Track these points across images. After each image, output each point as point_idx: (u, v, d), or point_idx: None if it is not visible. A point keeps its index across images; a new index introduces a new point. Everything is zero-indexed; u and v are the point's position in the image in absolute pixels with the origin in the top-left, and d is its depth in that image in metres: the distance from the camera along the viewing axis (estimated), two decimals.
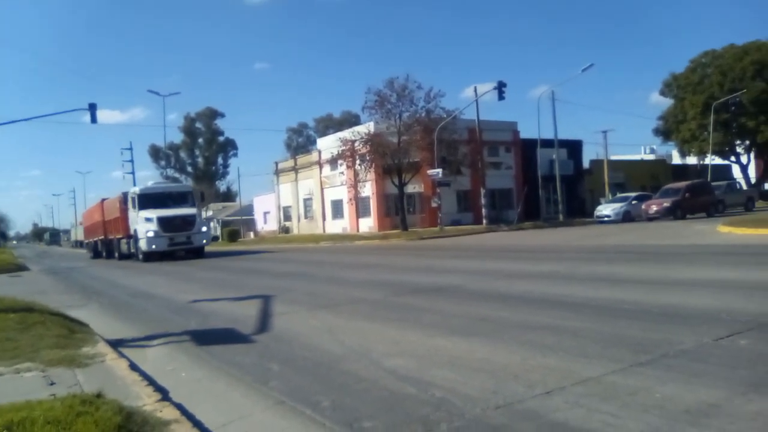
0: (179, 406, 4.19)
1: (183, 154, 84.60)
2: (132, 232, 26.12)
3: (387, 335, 6.27)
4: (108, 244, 32.35)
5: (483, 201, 36.60)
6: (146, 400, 4.21)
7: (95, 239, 36.66)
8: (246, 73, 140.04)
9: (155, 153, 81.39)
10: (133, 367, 5.35)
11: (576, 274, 10.64)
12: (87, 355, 5.72)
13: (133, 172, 51.91)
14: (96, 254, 36.66)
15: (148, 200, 25.38)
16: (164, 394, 4.49)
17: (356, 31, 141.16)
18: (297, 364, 5.28)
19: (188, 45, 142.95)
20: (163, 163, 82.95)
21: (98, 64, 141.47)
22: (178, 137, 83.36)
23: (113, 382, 4.77)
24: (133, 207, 25.68)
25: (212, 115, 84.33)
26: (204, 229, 26.47)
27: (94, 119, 29.29)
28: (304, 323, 7.34)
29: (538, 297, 8.11)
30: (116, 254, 29.84)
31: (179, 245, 25.01)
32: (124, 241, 27.98)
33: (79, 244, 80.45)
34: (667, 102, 55.86)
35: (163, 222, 24.25)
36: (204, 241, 26.31)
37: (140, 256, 24.97)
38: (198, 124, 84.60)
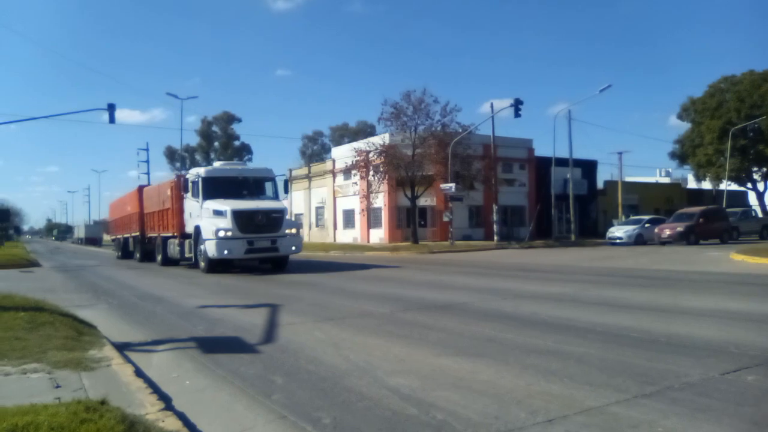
0: (181, 416, 4.22)
1: (198, 157, 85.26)
2: (188, 229, 19.41)
3: (392, 352, 6.27)
4: (145, 243, 25.76)
5: (495, 217, 36.51)
6: (149, 409, 4.24)
7: (126, 236, 29.52)
8: (267, 79, 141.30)
9: (171, 154, 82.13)
10: (138, 372, 5.39)
11: (584, 297, 10.58)
12: (93, 358, 5.77)
13: (148, 173, 52.49)
14: (126, 254, 29.92)
15: (216, 186, 18.37)
16: (167, 403, 4.52)
17: (377, 41, 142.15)
18: (301, 378, 5.30)
19: (211, 49, 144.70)
20: (178, 164, 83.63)
21: (121, 64, 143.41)
22: (194, 140, 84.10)
23: (118, 387, 4.81)
24: (194, 195, 18.74)
25: (229, 119, 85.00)
26: (293, 230, 18.56)
27: (112, 119, 29.66)
28: (310, 335, 7.36)
29: (544, 319, 8.07)
30: (158, 257, 23.37)
31: (261, 252, 18.05)
32: (174, 241, 20.69)
33: (80, 241, 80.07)
34: (685, 126, 55.58)
35: (240, 218, 17.25)
36: (293, 248, 18.48)
37: (202, 264, 18.20)
38: (215, 128, 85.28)
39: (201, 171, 19.16)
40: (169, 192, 21.12)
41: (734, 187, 54.67)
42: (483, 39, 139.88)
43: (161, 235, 22.67)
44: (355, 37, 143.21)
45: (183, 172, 22.24)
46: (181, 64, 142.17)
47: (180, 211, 20.08)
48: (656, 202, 53.17)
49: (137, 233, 26.60)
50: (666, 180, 77.81)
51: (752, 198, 56.26)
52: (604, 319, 7.92)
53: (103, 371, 5.35)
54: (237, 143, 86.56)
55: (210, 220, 17.59)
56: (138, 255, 26.88)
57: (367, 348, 6.52)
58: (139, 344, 7.11)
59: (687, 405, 4.15)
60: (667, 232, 31.01)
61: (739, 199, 55.17)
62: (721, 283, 12.47)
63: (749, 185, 55.08)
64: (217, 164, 20.89)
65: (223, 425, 4.20)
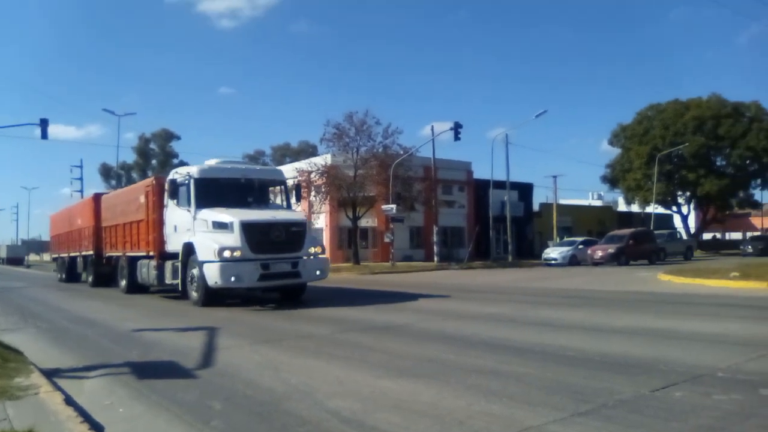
0: None
1: (135, 175, 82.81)
2: (171, 247, 14.91)
3: (332, 374, 6.23)
4: (101, 264, 21.20)
5: (435, 238, 36.95)
6: None
7: (74, 254, 24.74)
8: (209, 97, 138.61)
9: (106, 172, 79.43)
10: (68, 400, 5.14)
11: (522, 317, 10.82)
12: (20, 386, 5.48)
13: (81, 190, 50.72)
14: (71, 276, 25.47)
15: (213, 191, 14.17)
16: None
17: (321, 61, 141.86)
18: (239, 403, 5.18)
19: (153, 65, 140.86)
20: (114, 182, 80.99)
21: (56, 79, 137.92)
22: (131, 157, 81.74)
23: (46, 417, 4.57)
24: (182, 203, 14.30)
25: (168, 136, 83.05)
26: (317, 249, 14.18)
27: (45, 135, 28.66)
28: (248, 358, 7.22)
29: (484, 340, 8.20)
30: (122, 282, 18.65)
31: (278, 279, 13.48)
32: (148, 262, 16.10)
33: (2, 261, 77.85)
34: (615, 151, 58.04)
35: (251, 233, 13.02)
36: (317, 273, 14.03)
37: (194, 294, 13.65)
38: (152, 145, 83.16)
39: (192, 170, 14.35)
40: (142, 199, 16.39)
41: (661, 210, 57.30)
42: (426, 61, 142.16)
43: (127, 254, 17.96)
44: (300, 56, 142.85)
45: (161, 175, 16.58)
46: (121, 81, 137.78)
47: (159, 223, 15.37)
48: (589, 224, 55.06)
49: (89, 252, 21.98)
50: (598, 203, 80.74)
51: (677, 220, 59.11)
52: (542, 338, 8.11)
53: (30, 400, 5.08)
54: (176, 161, 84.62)
55: (208, 235, 13.20)
56: (90, 278, 22.32)
57: (307, 370, 6.45)
58: (69, 370, 6.79)
59: (620, 422, 4.29)
60: (599, 253, 32.13)
61: (666, 221, 57.78)
62: (650, 303, 12.99)
63: (674, 208, 57.88)
64: (210, 162, 15.44)
65: None
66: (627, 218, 60.22)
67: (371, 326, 9.91)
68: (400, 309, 12.61)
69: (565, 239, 41.07)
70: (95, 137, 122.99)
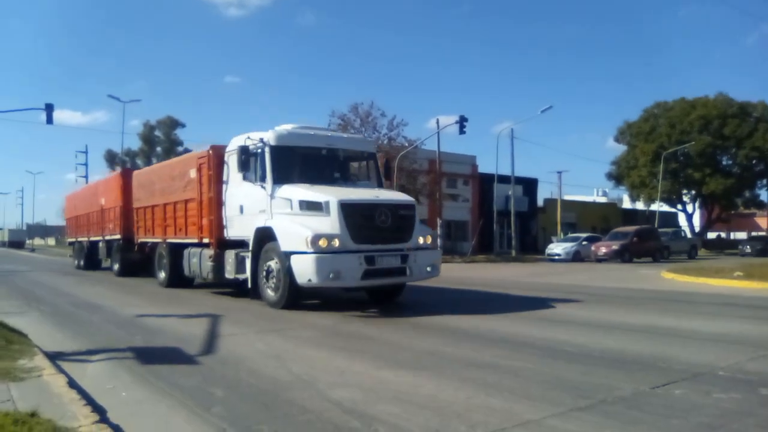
0: (116, 429, 4.10)
1: (139, 162, 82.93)
2: (234, 233, 12.19)
3: (334, 364, 6.26)
4: (131, 251, 18.54)
5: (439, 231, 36.96)
6: (82, 421, 4.09)
7: (95, 239, 22.38)
8: (215, 86, 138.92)
9: (111, 158, 79.48)
10: (72, 383, 5.19)
11: (523, 311, 10.83)
12: (23, 368, 5.53)
13: (86, 176, 50.92)
14: (91, 263, 23.41)
15: (294, 163, 11.48)
16: (102, 415, 4.37)
17: (328, 53, 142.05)
18: (242, 390, 5.22)
19: (160, 53, 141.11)
20: (118, 169, 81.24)
21: (64, 64, 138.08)
22: (136, 144, 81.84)
23: (49, 399, 4.62)
24: (252, 177, 11.41)
25: (173, 124, 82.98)
26: (428, 239, 11.39)
27: (50, 120, 28.70)
28: (252, 347, 7.27)
29: (484, 333, 8.23)
30: (161, 273, 15.87)
31: (384, 276, 10.64)
32: (201, 252, 13.25)
33: (4, 244, 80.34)
34: (621, 148, 57.89)
35: (353, 216, 10.24)
36: (428, 269, 11.22)
37: (271, 294, 10.83)
38: (157, 132, 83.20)
39: (267, 136, 11.22)
40: (193, 173, 13.64)
41: (666, 208, 57.21)
42: (432, 54, 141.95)
43: (168, 240, 15.28)
44: (306, 47, 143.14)
45: (217, 145, 12.93)
46: (128, 68, 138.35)
47: (217, 203, 12.57)
48: (593, 220, 55.03)
49: (116, 236, 19.62)
50: (603, 199, 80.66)
51: (682, 219, 59.00)
52: (542, 333, 8.13)
53: (33, 382, 5.13)
54: (180, 149, 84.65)
55: (294, 218, 10.38)
56: (116, 267, 19.78)
57: (310, 360, 6.49)
58: (73, 354, 6.85)
59: (619, 418, 4.31)
60: (603, 249, 32.13)
61: (670, 219, 57.75)
62: (652, 300, 13.00)
63: (679, 207, 57.76)
64: (285, 127, 11.95)
65: None
66: (631, 216, 60.15)
67: (373, 317, 9.95)
68: (400, 300, 12.64)
69: (569, 235, 41.09)
70: (101, 123, 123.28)
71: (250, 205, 11.53)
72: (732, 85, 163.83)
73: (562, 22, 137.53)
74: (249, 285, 11.38)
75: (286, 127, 11.92)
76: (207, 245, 13.18)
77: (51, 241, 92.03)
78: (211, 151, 12.95)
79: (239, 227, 11.97)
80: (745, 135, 49.13)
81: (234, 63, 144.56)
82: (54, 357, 6.36)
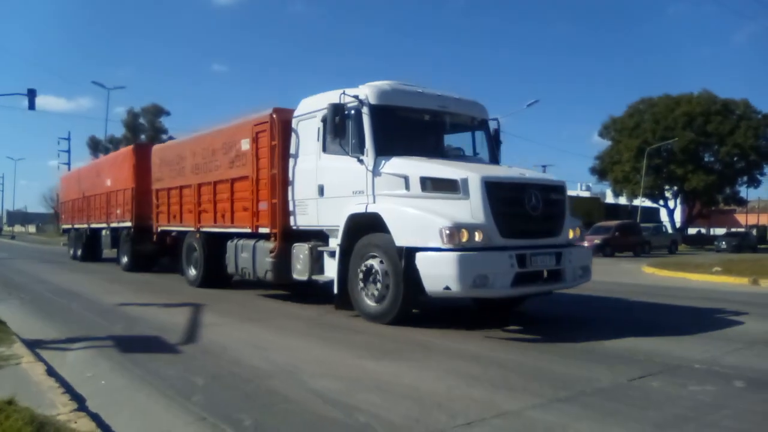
0: (95, 417, 4.07)
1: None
2: (307, 222, 9.55)
3: (317, 354, 6.27)
4: (145, 240, 15.92)
5: None
6: (61, 409, 4.07)
7: (97, 225, 19.72)
8: (201, 73, 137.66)
9: (94, 145, 78.48)
10: (50, 371, 5.16)
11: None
12: (1, 356, 5.48)
13: (68, 163, 50.23)
14: (90, 253, 20.98)
15: (396, 129, 8.77)
16: (81, 403, 4.35)
17: (316, 42, 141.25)
18: (223, 380, 5.21)
19: (146, 39, 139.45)
20: (101, 155, 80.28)
21: (48, 50, 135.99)
22: (120, 131, 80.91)
23: (27, 387, 4.59)
24: (342, 146, 8.54)
25: (157, 111, 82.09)
26: (576, 232, 8.71)
27: (32, 106, 28.31)
28: (234, 336, 7.25)
29: (470, 325, 8.27)
30: (189, 269, 13.24)
31: (538, 283, 7.88)
32: (256, 245, 10.58)
33: None
34: (605, 143, 58.23)
35: (500, 201, 7.58)
36: (580, 272, 8.46)
37: (371, 304, 8.17)
38: (142, 120, 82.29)
39: (364, 92, 8.61)
40: (246, 145, 10.93)
41: (648, 203, 57.67)
42: (420, 48, 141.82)
43: (204, 229, 12.66)
44: (294, 37, 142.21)
45: (282, 107, 10.26)
46: (114, 54, 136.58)
47: (282, 183, 9.90)
48: (576, 214, 55.35)
49: (125, 223, 17.01)
50: (586, 194, 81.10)
51: (663, 214, 59.58)
52: (527, 326, 8.18)
53: (11, 369, 5.09)
54: (165, 137, 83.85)
55: (412, 202, 7.83)
56: (125, 259, 17.17)
57: (292, 350, 6.49)
58: (52, 342, 6.79)
59: (598, 409, 4.37)
60: (585, 243, 32.40)
61: (652, 215, 58.20)
62: (632, 294, 13.13)
63: (661, 202, 58.28)
64: (381, 83, 8.99)
65: (140, 427, 4.09)
66: (614, 210, 60.53)
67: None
68: None
69: None
70: (85, 110, 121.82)
71: (336, 185, 8.92)
72: (717, 83, 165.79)
73: (551, 18, 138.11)
74: (336, 290, 8.63)
75: (385, 83, 9.03)
76: (264, 236, 10.48)
77: (32, 229, 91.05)
78: (274, 115, 10.08)
79: (316, 214, 9.31)
80: (727, 132, 49.64)
81: (221, 51, 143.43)
82: (33, 345, 6.30)
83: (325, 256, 9.16)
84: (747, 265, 18.87)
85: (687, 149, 50.48)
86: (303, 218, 9.64)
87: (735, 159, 52.41)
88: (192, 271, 13.15)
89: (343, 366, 5.73)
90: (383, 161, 8.28)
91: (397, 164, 8.19)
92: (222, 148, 11.94)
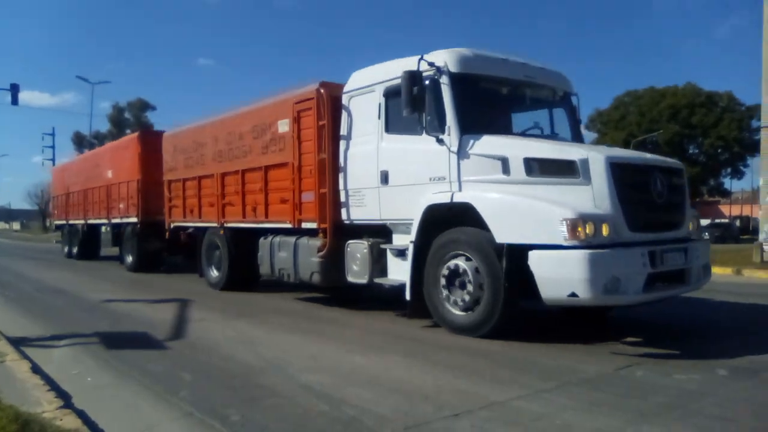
0: (81, 414, 4.05)
1: None
2: (362, 215, 8.28)
3: (306, 349, 6.26)
4: (155, 238, 14.52)
5: None
6: (46, 407, 4.04)
7: (96, 221, 18.38)
8: (187, 68, 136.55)
9: (79, 141, 77.71)
10: (36, 369, 5.12)
11: None
12: None
13: (53, 159, 49.67)
14: (86, 251, 19.62)
15: (479, 102, 7.52)
16: (66, 400, 4.33)
17: (304, 37, 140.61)
18: (211, 375, 5.20)
19: (132, 33, 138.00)
20: (86, 151, 79.55)
21: (32, 43, 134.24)
22: (105, 126, 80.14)
23: (12, 384, 4.55)
24: (414, 123, 7.21)
25: (143, 106, 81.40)
26: (695, 225, 7.47)
27: (15, 101, 27.99)
28: (222, 332, 7.22)
29: None
30: (211, 269, 11.91)
31: (668, 286, 6.55)
32: (299, 243, 9.20)
33: None
34: (591, 135, 58.52)
35: (627, 187, 6.30)
36: (704, 270, 7.23)
37: (458, 313, 6.81)
38: (127, 115, 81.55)
39: (442, 58, 7.30)
40: (284, 126, 9.50)
41: None
42: (408, 46, 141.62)
43: (230, 225, 11.21)
44: (282, 31, 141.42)
45: (329, 80, 8.90)
46: (98, 48, 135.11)
47: (332, 169, 8.64)
48: None
49: (131, 218, 15.45)
50: None
51: None
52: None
53: None
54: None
55: (515, 189, 6.56)
56: (130, 258, 15.64)
57: (281, 345, 6.49)
58: (37, 339, 6.74)
59: (584, 399, 4.41)
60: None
61: None
62: None
63: None
64: (461, 49, 7.54)
65: (126, 423, 4.07)
66: None
67: (344, 301, 9.93)
68: None
69: None
70: (69, 105, 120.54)
71: (406, 171, 7.59)
72: (702, 75, 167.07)
73: (537, 15, 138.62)
74: (408, 296, 7.32)
75: (464, 49, 7.56)
76: (306, 232, 9.15)
77: (16, 226, 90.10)
78: (322, 90, 8.64)
79: (377, 205, 7.97)
80: (711, 124, 50.12)
81: (208, 45, 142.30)
82: (17, 342, 6.26)
83: (389, 256, 7.84)
84: (730, 255, 19.07)
85: (672, 141, 50.92)
86: (359, 211, 8.26)
87: (719, 151, 52.94)
88: (213, 272, 11.71)
89: (332, 360, 5.73)
90: (471, 141, 6.91)
91: (490, 143, 6.84)
92: (252, 132, 10.36)
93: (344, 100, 8.52)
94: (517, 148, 6.77)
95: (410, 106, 6.96)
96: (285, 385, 4.83)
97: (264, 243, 10.02)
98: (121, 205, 16.08)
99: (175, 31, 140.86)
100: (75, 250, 20.28)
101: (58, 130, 51.91)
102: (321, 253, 8.59)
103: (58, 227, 23.88)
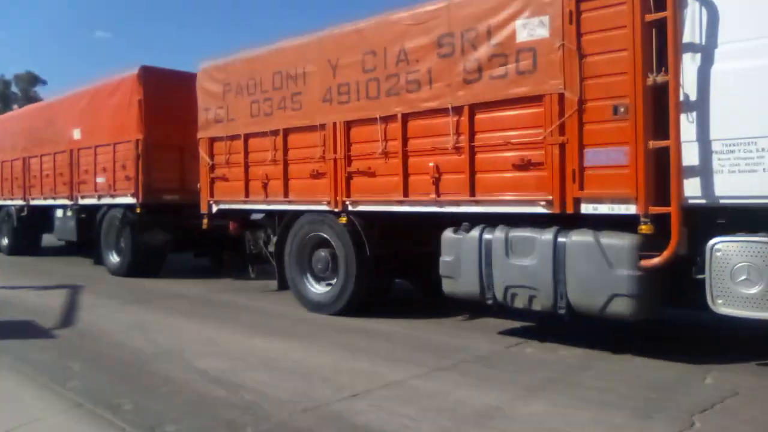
0: None
1: None
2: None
3: (203, 334, 6.15)
4: (164, 226, 10.50)
5: None
6: None
7: (38, 202, 13.55)
8: (83, 41, 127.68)
9: None
10: None
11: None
12: None
13: None
14: (25, 244, 14.40)
15: None
16: None
17: (206, 7, 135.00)
18: (102, 364, 5.01)
19: (22, 3, 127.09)
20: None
21: None
22: None
23: None
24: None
25: (32, 80, 75.81)
26: None
27: None
28: (115, 318, 6.95)
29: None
30: (312, 286, 7.43)
31: None
32: (585, 244, 4.85)
33: None
34: None
35: None
36: None
37: None
38: (14, 89, 75.66)
39: None
40: (543, 25, 5.18)
41: None
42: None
43: (363, 208, 6.83)
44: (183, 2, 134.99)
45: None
46: None
47: (676, 108, 4.49)
48: None
49: (124, 198, 10.75)
50: None
51: None
52: (428, 303, 8.38)
53: None
54: None
55: None
56: (122, 259, 10.89)
57: (177, 330, 6.34)
58: None
59: (476, 376, 4.61)
60: None
61: None
62: None
63: None
64: None
65: (7, 416, 3.85)
66: None
67: (249, 286, 9.70)
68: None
69: None
70: None
71: None
72: None
73: None
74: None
75: None
76: (583, 222, 5.12)
77: None
78: None
79: None
80: None
81: (105, 17, 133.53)
82: None
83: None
84: None
85: None
86: (743, 181, 4.36)
87: None
88: (318, 288, 7.48)
89: (231, 345, 5.66)
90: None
91: None
92: (436, 44, 6.08)
93: None
94: None
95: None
96: (180, 371, 4.74)
97: (455, 241, 5.82)
98: (101, 179, 11.37)
99: (69, 2, 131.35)
100: (4, 242, 15.10)
101: None
102: (648, 261, 4.63)
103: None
